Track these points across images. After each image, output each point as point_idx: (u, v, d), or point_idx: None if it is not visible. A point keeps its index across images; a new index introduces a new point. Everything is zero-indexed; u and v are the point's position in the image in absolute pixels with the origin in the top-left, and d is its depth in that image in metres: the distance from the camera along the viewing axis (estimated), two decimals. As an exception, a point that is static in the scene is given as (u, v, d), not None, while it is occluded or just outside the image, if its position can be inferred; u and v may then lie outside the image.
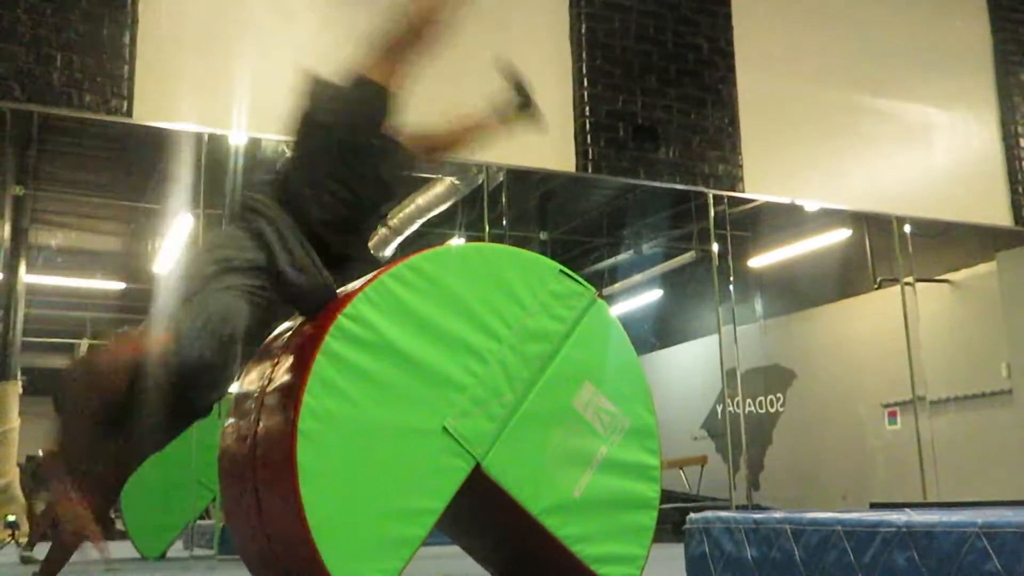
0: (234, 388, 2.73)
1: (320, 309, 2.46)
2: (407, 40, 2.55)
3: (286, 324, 2.79)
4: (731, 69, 6.08)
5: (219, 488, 2.80)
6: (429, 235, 8.94)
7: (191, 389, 2.26)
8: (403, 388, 2.36)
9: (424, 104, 5.09)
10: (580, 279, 2.68)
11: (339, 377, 2.30)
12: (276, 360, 2.54)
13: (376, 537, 2.26)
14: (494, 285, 2.56)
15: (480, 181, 7.80)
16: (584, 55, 5.59)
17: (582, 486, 2.53)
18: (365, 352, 2.34)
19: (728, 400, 6.91)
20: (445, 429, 2.36)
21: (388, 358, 2.37)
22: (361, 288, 2.41)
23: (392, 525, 2.28)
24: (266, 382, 2.51)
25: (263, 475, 2.39)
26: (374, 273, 2.48)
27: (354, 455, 2.28)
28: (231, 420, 2.69)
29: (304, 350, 2.37)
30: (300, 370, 2.31)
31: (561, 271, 2.67)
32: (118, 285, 11.93)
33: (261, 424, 2.43)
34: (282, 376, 2.43)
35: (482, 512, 2.69)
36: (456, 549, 3.43)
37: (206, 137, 5.89)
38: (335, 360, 2.30)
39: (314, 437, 2.23)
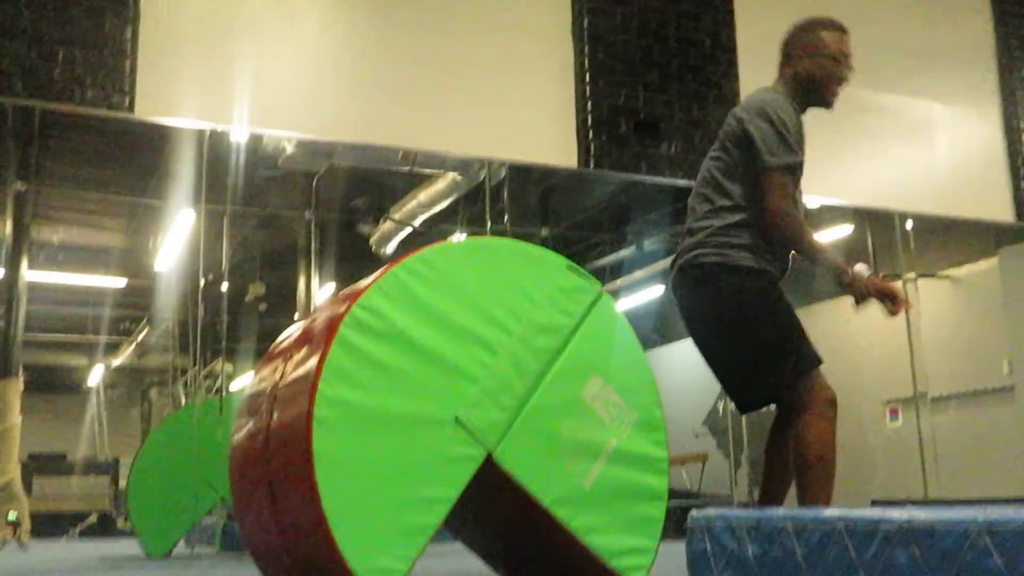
0: (247, 388, 2.77)
1: None
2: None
3: (292, 327, 2.83)
4: (733, 64, 6.07)
5: (230, 484, 2.81)
6: (431, 231, 8.94)
7: None
8: (416, 378, 2.39)
9: (424, 97, 5.10)
10: (587, 274, 2.71)
11: (354, 366, 2.32)
12: (286, 358, 2.57)
13: (391, 525, 2.27)
14: (503, 279, 2.59)
15: (482, 177, 7.79)
16: (586, 50, 5.58)
17: (592, 478, 2.54)
18: (379, 342, 2.37)
19: (730, 396, 6.89)
20: (458, 419, 2.38)
21: (401, 348, 2.39)
22: (374, 280, 2.44)
23: (407, 513, 2.30)
24: (278, 378, 2.53)
25: (277, 465, 2.41)
26: (386, 266, 2.52)
27: (369, 443, 2.30)
28: (242, 419, 2.71)
29: (318, 341, 2.40)
30: (315, 360, 2.34)
31: (569, 266, 2.70)
32: (120, 281, 11.93)
33: (275, 418, 2.46)
34: (295, 369, 2.46)
35: (487, 503, 2.70)
36: (457, 547, 3.43)
37: (208, 133, 5.90)
38: (350, 349, 2.33)
39: (329, 424, 2.25)
